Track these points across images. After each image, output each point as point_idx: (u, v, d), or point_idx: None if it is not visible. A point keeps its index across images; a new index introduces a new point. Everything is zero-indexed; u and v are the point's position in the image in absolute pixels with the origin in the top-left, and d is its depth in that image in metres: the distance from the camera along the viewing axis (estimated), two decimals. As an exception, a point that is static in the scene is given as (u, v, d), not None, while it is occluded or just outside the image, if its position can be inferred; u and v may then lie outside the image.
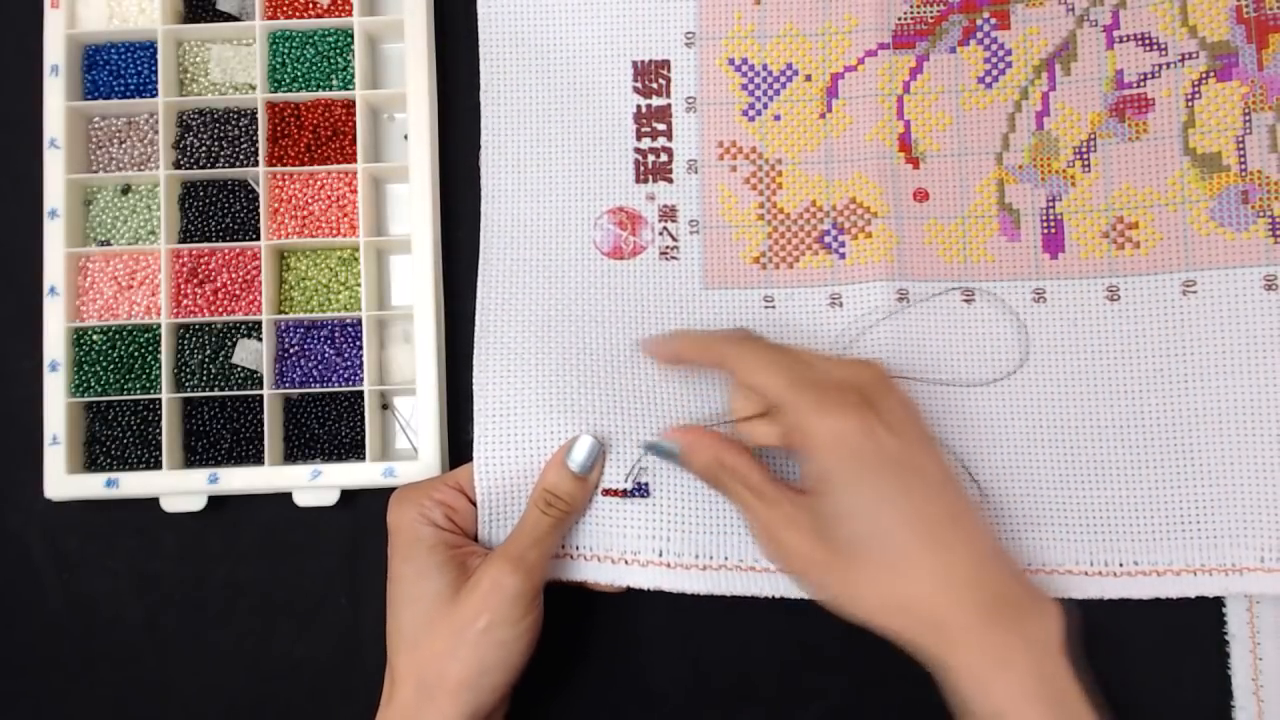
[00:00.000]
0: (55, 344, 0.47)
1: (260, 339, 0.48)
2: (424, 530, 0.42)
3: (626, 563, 0.44)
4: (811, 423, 0.38)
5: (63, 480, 0.47)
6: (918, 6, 0.48)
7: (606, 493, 0.44)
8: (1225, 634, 0.45)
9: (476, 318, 0.47)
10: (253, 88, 0.49)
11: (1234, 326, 0.44)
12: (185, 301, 0.48)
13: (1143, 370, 0.45)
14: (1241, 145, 0.44)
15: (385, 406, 0.49)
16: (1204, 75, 0.45)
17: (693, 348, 0.43)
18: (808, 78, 0.48)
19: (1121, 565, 0.44)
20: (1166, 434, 0.44)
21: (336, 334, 0.49)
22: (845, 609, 0.38)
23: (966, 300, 0.47)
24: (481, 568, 0.40)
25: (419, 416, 0.47)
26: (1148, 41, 0.46)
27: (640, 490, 0.44)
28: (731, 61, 0.49)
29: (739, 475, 0.40)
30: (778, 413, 0.39)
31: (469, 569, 0.41)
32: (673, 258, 0.48)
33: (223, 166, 0.49)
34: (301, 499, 0.47)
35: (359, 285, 0.48)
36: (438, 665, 0.39)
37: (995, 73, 0.47)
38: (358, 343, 0.48)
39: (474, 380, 0.46)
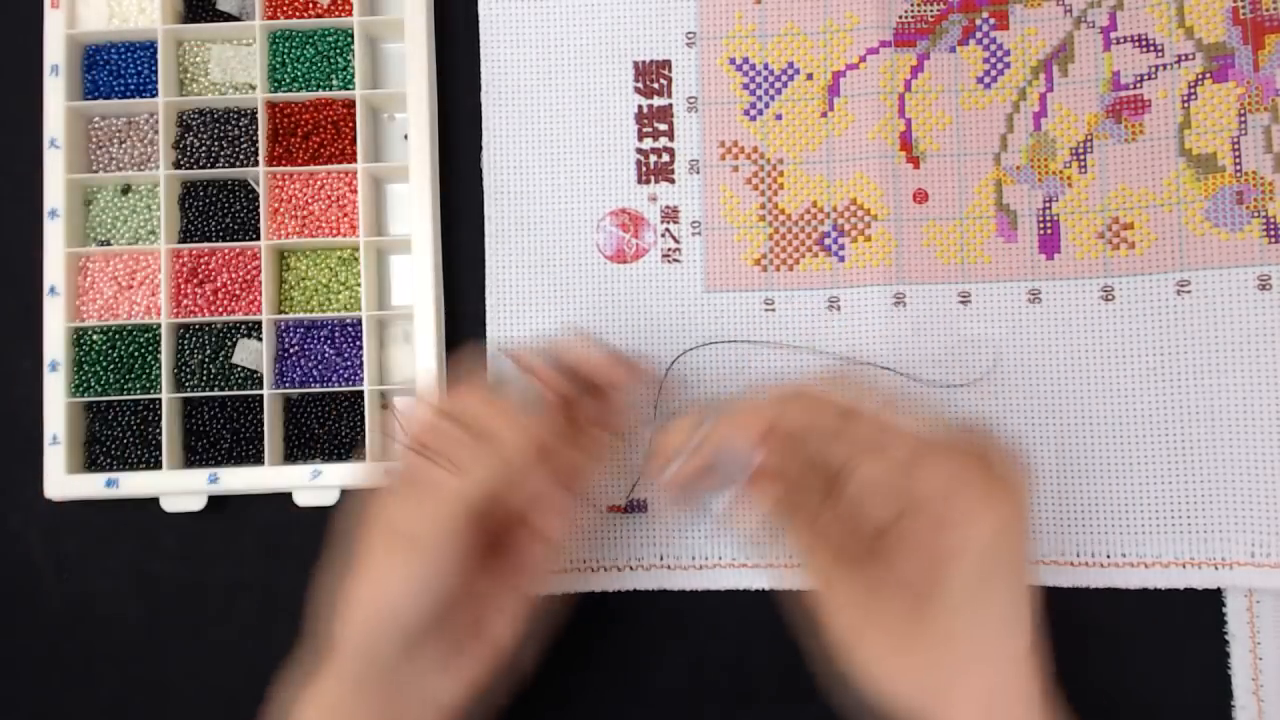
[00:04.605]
0: (55, 344, 0.50)
1: (260, 339, 0.51)
2: (394, 454, 0.42)
3: (631, 569, 0.49)
4: (964, 517, 0.35)
5: (63, 480, 0.49)
6: (918, 5, 0.50)
7: (610, 509, 0.49)
8: (1225, 634, 0.47)
9: (488, 337, 0.50)
10: (253, 88, 0.51)
11: (1228, 326, 0.46)
12: (185, 301, 0.51)
13: (1137, 369, 0.48)
14: (1237, 146, 0.47)
15: (385, 406, 0.52)
16: (1200, 76, 0.48)
17: (800, 414, 0.37)
18: (809, 76, 0.51)
19: (1109, 557, 0.47)
20: (1159, 431, 0.47)
21: (336, 334, 0.51)
22: (873, 685, 0.36)
23: (963, 301, 0.49)
24: None
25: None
26: (1144, 43, 0.48)
27: (638, 506, 0.49)
28: (733, 61, 0.51)
29: (814, 519, 0.38)
30: (917, 472, 0.36)
31: None
32: (675, 260, 0.50)
33: (223, 166, 0.51)
34: (301, 499, 0.50)
35: (359, 285, 0.51)
36: (343, 594, 0.40)
37: (994, 73, 0.50)
38: (358, 343, 0.51)
39: None
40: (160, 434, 0.50)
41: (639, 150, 0.51)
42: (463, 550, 0.39)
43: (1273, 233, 0.46)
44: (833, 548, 0.38)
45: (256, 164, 0.51)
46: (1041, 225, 0.49)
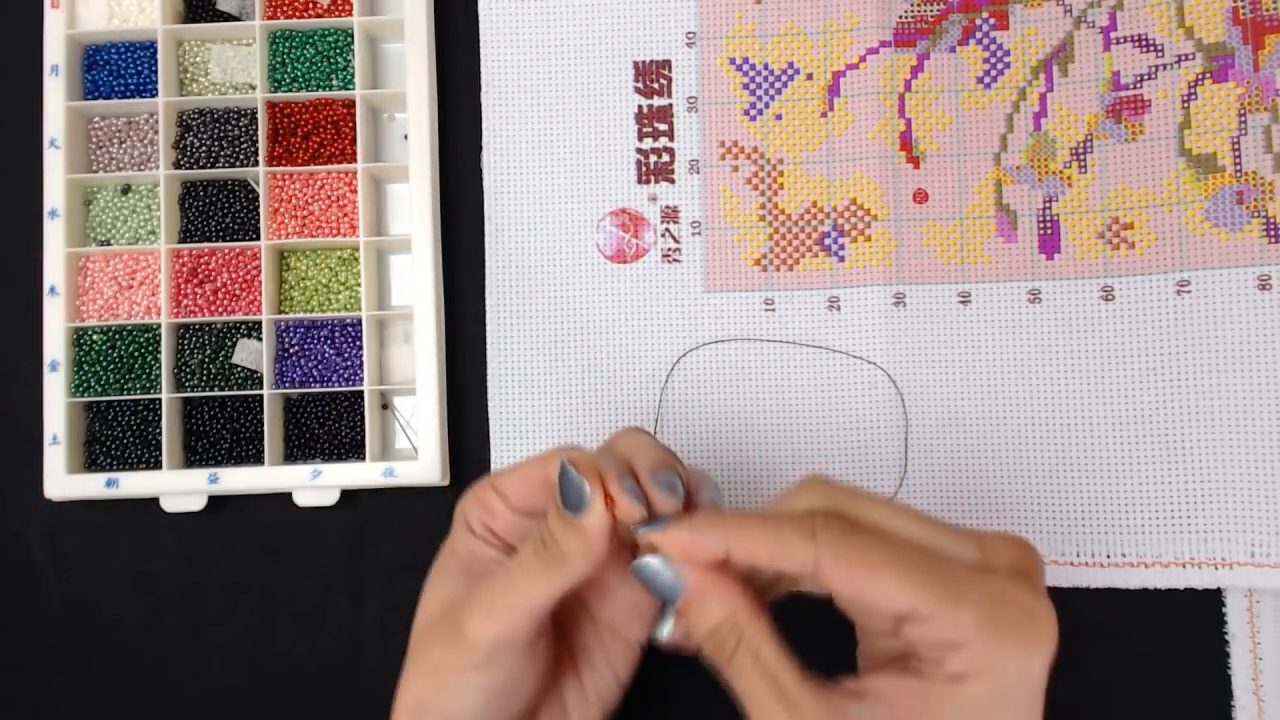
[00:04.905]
0: (55, 344, 0.50)
1: (260, 339, 0.51)
2: (456, 530, 0.39)
3: None
4: (987, 652, 0.30)
5: (63, 480, 0.49)
6: (918, 5, 0.50)
7: None
8: (1225, 634, 0.47)
9: (488, 337, 0.50)
10: (253, 88, 0.52)
11: (1227, 326, 0.46)
12: (185, 301, 0.51)
13: (1136, 369, 0.48)
14: (1237, 146, 0.47)
15: (385, 406, 0.52)
16: (1200, 76, 0.48)
17: (751, 544, 0.32)
18: (809, 76, 0.51)
19: (1109, 557, 0.47)
20: (1159, 431, 0.47)
21: (336, 334, 0.51)
22: None
23: (963, 301, 0.49)
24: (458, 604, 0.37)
25: (419, 416, 0.50)
26: (1144, 43, 0.49)
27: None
28: (733, 61, 0.51)
29: (761, 660, 0.31)
30: (912, 622, 0.31)
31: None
32: (675, 260, 0.50)
33: (223, 166, 0.51)
34: (301, 499, 0.50)
35: (359, 285, 0.51)
36: (401, 684, 0.37)
37: (994, 73, 0.50)
38: (358, 343, 0.51)
39: (489, 407, 0.50)
40: (160, 434, 0.50)
41: (639, 150, 0.51)
42: (531, 659, 0.36)
43: (1273, 233, 0.46)
44: (794, 669, 0.32)
45: (256, 164, 0.51)
46: (1041, 225, 0.49)
